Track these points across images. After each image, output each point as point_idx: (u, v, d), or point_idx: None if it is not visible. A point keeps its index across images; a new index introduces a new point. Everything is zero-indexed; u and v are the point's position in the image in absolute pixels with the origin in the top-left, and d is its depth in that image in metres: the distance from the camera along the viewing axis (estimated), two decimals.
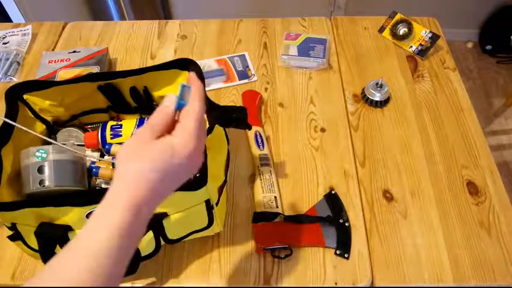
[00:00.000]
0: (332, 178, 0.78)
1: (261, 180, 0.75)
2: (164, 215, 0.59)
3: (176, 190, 0.50)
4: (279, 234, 0.69)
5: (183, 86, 0.44)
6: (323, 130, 0.86)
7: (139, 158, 0.41)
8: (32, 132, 0.61)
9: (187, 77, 0.47)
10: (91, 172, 0.67)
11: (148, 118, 0.74)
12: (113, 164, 0.66)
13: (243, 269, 0.68)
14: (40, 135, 0.62)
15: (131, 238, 0.40)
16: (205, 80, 0.67)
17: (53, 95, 0.70)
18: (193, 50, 1.03)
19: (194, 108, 0.44)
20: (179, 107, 0.44)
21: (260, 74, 0.97)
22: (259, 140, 0.81)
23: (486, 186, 0.77)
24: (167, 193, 0.44)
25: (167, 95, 0.45)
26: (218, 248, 0.70)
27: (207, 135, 0.58)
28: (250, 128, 0.66)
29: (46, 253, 0.60)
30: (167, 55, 1.02)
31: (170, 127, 0.44)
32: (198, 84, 0.45)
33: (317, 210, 0.73)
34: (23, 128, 0.62)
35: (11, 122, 0.61)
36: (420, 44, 1.00)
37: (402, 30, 1.01)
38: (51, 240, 0.59)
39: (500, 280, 0.66)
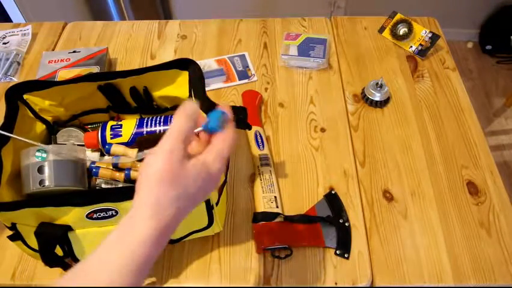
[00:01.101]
0: (332, 178, 0.78)
1: (261, 180, 0.75)
2: None
3: None
4: (279, 234, 0.69)
5: (223, 113, 0.45)
6: (322, 130, 0.86)
7: (174, 184, 0.39)
8: (27, 140, 0.61)
9: (218, 106, 0.47)
10: (91, 172, 0.67)
11: (149, 118, 0.74)
12: (114, 165, 0.66)
13: (243, 269, 0.68)
14: (31, 141, 0.61)
15: (148, 264, 0.38)
16: (205, 80, 0.67)
17: (53, 95, 0.70)
18: (193, 50, 1.03)
19: (230, 136, 0.44)
20: (212, 130, 0.44)
21: (260, 74, 0.97)
22: (259, 140, 0.81)
23: (486, 186, 0.77)
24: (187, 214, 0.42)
25: (187, 101, 0.44)
26: (218, 248, 0.70)
27: None
28: (250, 128, 0.66)
29: (46, 253, 0.60)
30: (167, 55, 1.02)
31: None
32: (231, 113, 0.46)
33: (317, 210, 0.73)
34: (20, 138, 0.62)
35: (6, 134, 0.61)
36: (420, 44, 1.00)
37: (402, 30, 1.01)
38: (51, 240, 0.59)
39: (500, 280, 0.66)
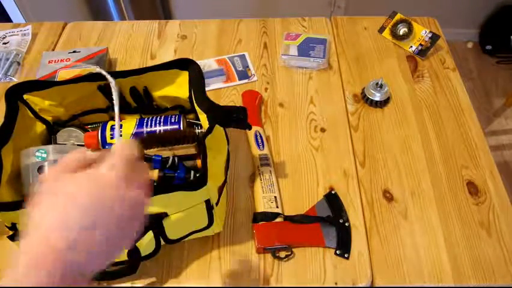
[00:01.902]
0: (332, 178, 0.78)
1: (261, 180, 0.75)
2: (164, 215, 0.59)
3: (176, 190, 0.48)
4: (279, 234, 0.69)
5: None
6: (322, 130, 0.86)
7: (50, 198, 0.30)
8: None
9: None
10: None
11: (149, 118, 0.74)
12: None
13: (243, 269, 0.68)
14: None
15: None
16: (205, 80, 0.67)
17: (53, 95, 0.70)
18: (193, 50, 1.03)
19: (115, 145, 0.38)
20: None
21: (260, 74, 0.97)
22: (259, 140, 0.81)
23: (486, 186, 0.77)
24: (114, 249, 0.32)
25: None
26: (218, 248, 0.70)
27: (207, 135, 0.58)
28: (250, 128, 0.66)
29: None
30: (167, 55, 1.02)
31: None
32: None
33: (317, 210, 0.73)
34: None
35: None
36: (420, 44, 1.00)
37: (402, 30, 1.01)
38: None
39: (500, 280, 0.66)
